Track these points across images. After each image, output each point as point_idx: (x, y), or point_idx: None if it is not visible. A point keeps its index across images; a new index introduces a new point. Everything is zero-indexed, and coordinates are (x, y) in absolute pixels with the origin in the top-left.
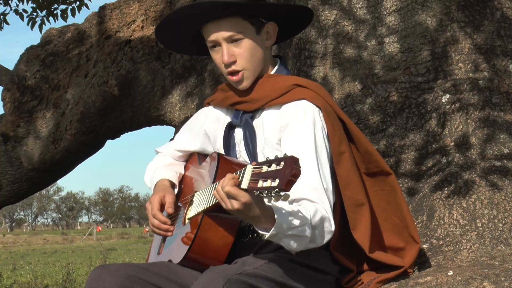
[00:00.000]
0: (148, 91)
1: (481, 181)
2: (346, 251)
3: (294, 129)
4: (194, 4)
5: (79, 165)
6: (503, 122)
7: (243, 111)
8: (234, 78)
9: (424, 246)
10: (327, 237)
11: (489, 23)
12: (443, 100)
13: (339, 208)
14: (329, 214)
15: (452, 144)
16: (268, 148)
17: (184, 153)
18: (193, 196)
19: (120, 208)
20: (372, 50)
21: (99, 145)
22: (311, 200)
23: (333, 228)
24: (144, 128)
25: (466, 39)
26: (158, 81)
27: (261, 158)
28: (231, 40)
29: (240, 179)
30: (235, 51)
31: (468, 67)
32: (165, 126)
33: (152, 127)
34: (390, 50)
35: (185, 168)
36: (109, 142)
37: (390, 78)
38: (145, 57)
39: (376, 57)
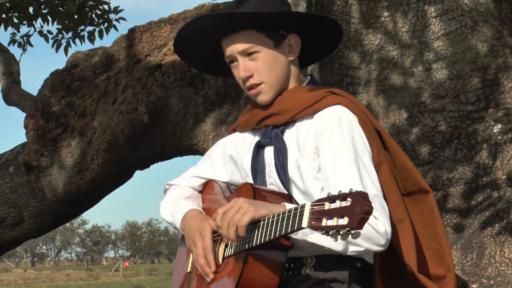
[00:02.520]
0: (180, 118)
1: None
2: (389, 276)
3: (332, 136)
4: (204, 17)
5: (106, 197)
6: None
7: (273, 126)
8: (253, 91)
9: (474, 286)
10: (378, 239)
11: None
12: (495, 130)
13: None
14: (378, 217)
15: (504, 177)
16: (304, 158)
17: (205, 180)
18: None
19: (149, 243)
20: (418, 76)
21: (127, 175)
22: None
23: (384, 228)
24: (175, 158)
25: None
26: (190, 108)
27: (293, 173)
28: (246, 54)
29: (296, 217)
30: (250, 64)
31: None
32: (197, 156)
33: (184, 157)
34: (438, 77)
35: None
36: (138, 173)
37: (438, 106)
38: (177, 83)
39: (423, 84)
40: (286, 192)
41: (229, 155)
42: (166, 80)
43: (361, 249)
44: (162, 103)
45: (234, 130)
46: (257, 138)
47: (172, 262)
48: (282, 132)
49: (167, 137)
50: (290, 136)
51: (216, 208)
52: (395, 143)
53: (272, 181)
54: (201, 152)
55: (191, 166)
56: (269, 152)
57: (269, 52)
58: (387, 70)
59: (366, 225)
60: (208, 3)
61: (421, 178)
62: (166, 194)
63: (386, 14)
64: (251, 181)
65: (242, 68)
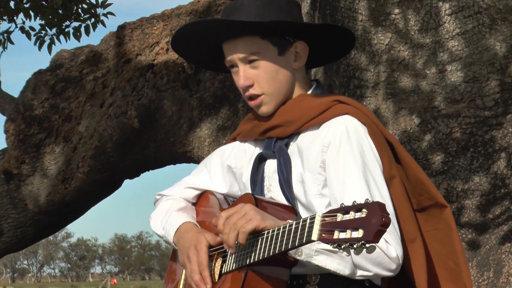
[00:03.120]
0: (173, 123)
1: None
2: None
3: (339, 149)
4: (206, 20)
5: (92, 208)
6: None
7: (277, 138)
8: (253, 102)
9: None
10: (389, 264)
11: None
12: None
13: None
14: (390, 240)
15: None
16: (309, 172)
17: (200, 192)
18: (222, 247)
19: (139, 258)
20: (431, 79)
21: (116, 185)
22: None
23: (396, 253)
24: (168, 166)
25: None
26: (185, 112)
27: (297, 188)
28: (247, 61)
29: (305, 229)
30: (252, 73)
31: None
32: (192, 164)
33: (177, 165)
34: (452, 80)
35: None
36: (127, 182)
37: (453, 111)
38: (170, 85)
39: (436, 88)
40: (289, 204)
41: (228, 165)
42: (158, 81)
43: (370, 273)
44: (154, 106)
45: (234, 139)
46: (258, 150)
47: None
48: (287, 144)
49: (159, 143)
50: (294, 148)
51: (211, 222)
52: (408, 155)
53: (272, 195)
54: (195, 159)
55: (185, 174)
56: (270, 165)
57: (272, 60)
58: (398, 72)
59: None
60: None
61: (437, 191)
62: (157, 205)
63: (396, 11)
64: (249, 191)
65: (242, 76)
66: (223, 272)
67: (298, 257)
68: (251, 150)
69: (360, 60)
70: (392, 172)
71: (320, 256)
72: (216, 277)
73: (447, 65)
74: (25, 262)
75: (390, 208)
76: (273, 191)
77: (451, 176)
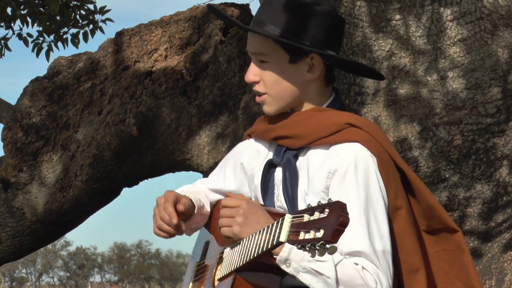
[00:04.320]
0: (172, 131)
1: None
2: None
3: (344, 179)
4: (225, 18)
5: (91, 216)
6: None
7: (286, 148)
8: (258, 98)
9: None
10: None
11: None
12: None
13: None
14: (380, 277)
15: None
16: (312, 195)
17: (216, 193)
18: (223, 252)
19: (138, 266)
20: (433, 86)
21: (114, 193)
22: (355, 263)
23: (376, 284)
24: (166, 175)
25: None
26: (183, 120)
27: (301, 205)
28: (258, 58)
29: (277, 231)
30: (259, 70)
31: None
32: (191, 172)
33: (176, 173)
34: (454, 87)
35: (212, 215)
36: (125, 190)
37: (454, 119)
38: (169, 92)
39: (437, 95)
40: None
41: (241, 163)
42: (156, 88)
43: None
44: (152, 114)
45: (249, 136)
46: (270, 154)
47: (164, 287)
48: (296, 156)
49: (157, 151)
50: (302, 163)
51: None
52: (420, 181)
53: (280, 204)
54: (194, 167)
55: (184, 183)
56: (279, 174)
57: (280, 66)
58: (398, 78)
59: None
60: (204, 3)
61: (448, 216)
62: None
63: (397, 17)
64: (260, 197)
65: (250, 71)
66: (218, 278)
67: (286, 269)
68: (264, 152)
69: None
70: (398, 203)
71: (307, 274)
72: (216, 283)
73: (448, 71)
74: (24, 271)
75: (387, 244)
76: (281, 200)
77: (453, 184)
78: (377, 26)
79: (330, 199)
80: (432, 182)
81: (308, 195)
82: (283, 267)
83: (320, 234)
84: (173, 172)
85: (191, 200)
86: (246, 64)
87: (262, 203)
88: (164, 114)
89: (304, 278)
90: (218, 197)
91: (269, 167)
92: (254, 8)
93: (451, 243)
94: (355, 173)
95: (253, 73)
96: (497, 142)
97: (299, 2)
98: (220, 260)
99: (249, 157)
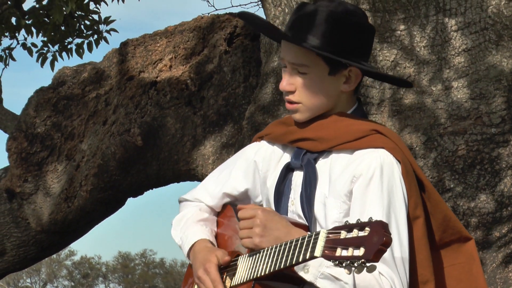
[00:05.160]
0: (176, 141)
1: None
2: None
3: (369, 183)
4: (266, 25)
5: (96, 226)
6: None
7: (307, 151)
8: (289, 106)
9: None
10: None
11: None
12: None
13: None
14: (396, 283)
15: None
16: (333, 198)
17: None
18: (236, 259)
19: (143, 276)
20: (437, 96)
21: (119, 203)
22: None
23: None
24: (171, 185)
25: None
26: (188, 130)
27: (318, 209)
28: (296, 68)
29: (310, 245)
30: (297, 81)
31: None
32: (196, 182)
33: (181, 183)
34: (458, 97)
35: (217, 223)
36: (130, 200)
37: (459, 129)
38: (174, 102)
39: (442, 105)
40: (305, 223)
41: (254, 161)
42: (161, 98)
43: None
44: (157, 124)
45: (261, 138)
46: (286, 155)
47: None
48: (316, 159)
49: (162, 161)
50: (323, 166)
51: (230, 236)
52: (436, 192)
53: (294, 209)
54: (199, 177)
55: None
56: (297, 177)
57: (320, 77)
58: (403, 88)
59: (373, 281)
60: (208, 13)
61: (462, 226)
62: (181, 209)
63: (402, 27)
64: (272, 200)
65: (286, 80)
66: (231, 286)
67: (304, 275)
68: (279, 154)
69: (365, 77)
70: (417, 212)
71: (325, 280)
72: None
73: (453, 81)
74: (28, 280)
75: (406, 252)
76: (296, 204)
77: (457, 194)
78: (381, 36)
79: (371, 218)
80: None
81: (329, 198)
82: (301, 273)
83: (359, 252)
84: (178, 182)
85: (210, 241)
86: (250, 74)
87: (273, 205)
88: (169, 124)
89: (322, 284)
90: (224, 201)
91: (286, 170)
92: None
93: (461, 255)
94: (381, 178)
95: (289, 82)
96: (501, 152)
97: (335, 13)
98: (232, 266)
99: (263, 157)
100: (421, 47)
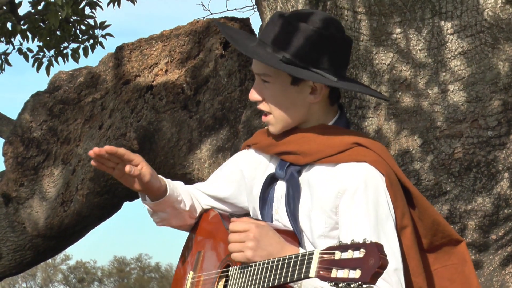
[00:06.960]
0: (172, 145)
1: None
2: None
3: (354, 197)
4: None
5: (91, 230)
6: None
7: (290, 163)
8: (263, 118)
9: None
10: None
11: None
12: None
13: None
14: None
15: None
16: (318, 212)
17: (212, 198)
18: (226, 270)
19: (138, 280)
20: (434, 99)
21: (115, 207)
22: None
23: None
24: None
25: None
26: (184, 134)
27: (303, 222)
28: (261, 78)
29: (304, 265)
30: (262, 90)
31: None
32: None
33: None
34: (455, 100)
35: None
36: (126, 204)
37: (455, 132)
38: (170, 106)
39: (438, 108)
40: (292, 230)
41: (241, 169)
42: (157, 102)
43: None
44: (153, 128)
45: (248, 146)
46: (272, 165)
47: None
48: (299, 172)
49: (158, 165)
50: (306, 180)
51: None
52: (424, 198)
53: (278, 217)
54: (195, 181)
55: None
56: (280, 187)
57: (283, 87)
58: (399, 91)
59: None
60: (203, 17)
61: (452, 229)
62: None
63: (398, 30)
64: (258, 209)
65: (252, 90)
66: None
67: None
68: (265, 163)
69: (361, 80)
70: (404, 222)
71: None
72: None
73: (449, 85)
74: (24, 285)
75: (399, 262)
76: (280, 214)
77: (454, 197)
78: (377, 40)
79: (365, 239)
80: (433, 195)
81: (313, 211)
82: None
83: (356, 274)
84: None
85: (166, 185)
86: (246, 78)
87: (260, 213)
88: (164, 128)
89: None
90: (210, 202)
91: (271, 180)
92: (254, 21)
93: (453, 256)
94: (365, 192)
95: (255, 92)
96: (498, 155)
97: (303, 26)
98: (224, 277)
99: (249, 165)
100: (417, 50)
